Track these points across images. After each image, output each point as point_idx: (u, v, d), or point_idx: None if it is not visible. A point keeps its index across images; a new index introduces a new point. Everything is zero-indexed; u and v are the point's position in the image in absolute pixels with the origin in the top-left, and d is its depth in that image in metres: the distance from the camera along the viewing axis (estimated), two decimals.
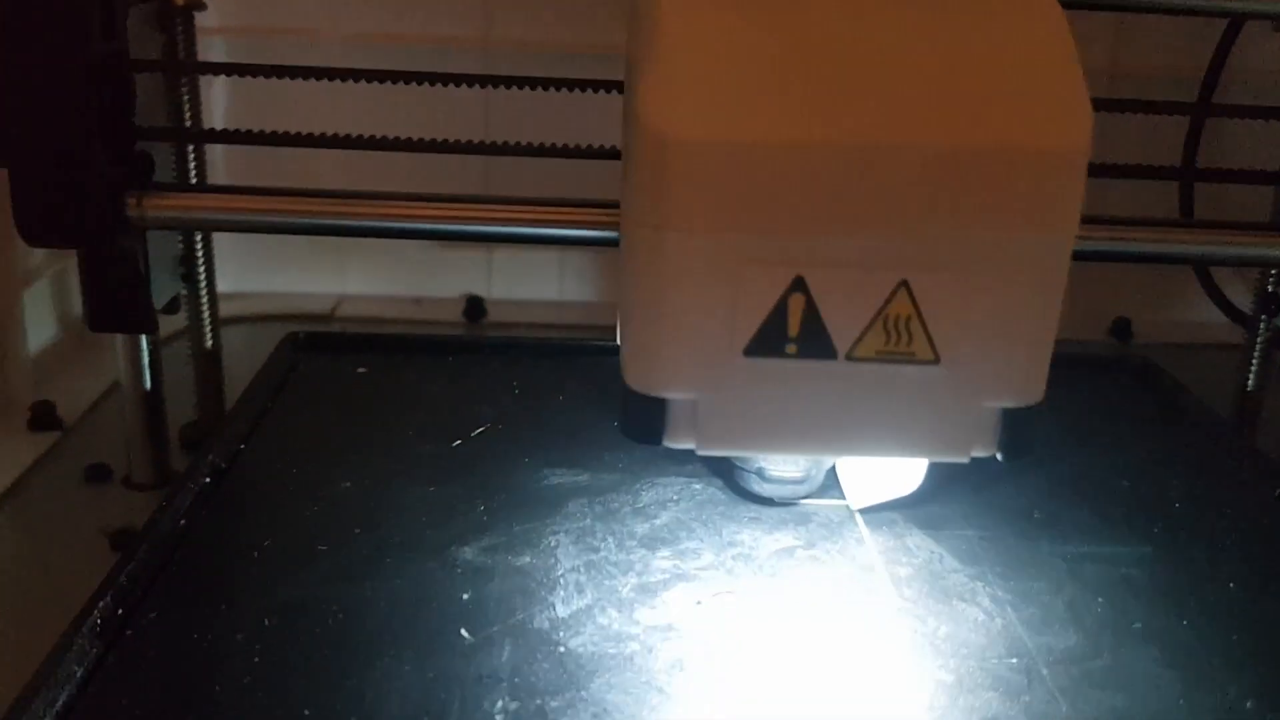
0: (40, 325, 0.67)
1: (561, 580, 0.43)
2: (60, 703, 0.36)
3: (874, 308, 0.36)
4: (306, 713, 0.36)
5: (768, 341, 0.36)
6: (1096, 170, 0.50)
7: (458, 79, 0.48)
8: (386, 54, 0.74)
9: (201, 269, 0.59)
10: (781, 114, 0.34)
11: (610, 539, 0.46)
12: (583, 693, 0.37)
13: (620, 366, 0.39)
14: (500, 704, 0.36)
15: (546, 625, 0.41)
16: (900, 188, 0.34)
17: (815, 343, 0.36)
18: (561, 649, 0.39)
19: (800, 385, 0.37)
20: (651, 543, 0.46)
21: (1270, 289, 0.63)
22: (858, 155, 0.34)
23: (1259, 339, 0.65)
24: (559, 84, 0.50)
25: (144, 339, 0.56)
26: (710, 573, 0.44)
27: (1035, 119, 0.35)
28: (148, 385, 0.56)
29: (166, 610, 0.40)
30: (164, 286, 0.53)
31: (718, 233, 0.35)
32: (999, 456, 0.38)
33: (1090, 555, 0.46)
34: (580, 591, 0.43)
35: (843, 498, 0.49)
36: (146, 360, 0.56)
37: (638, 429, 0.38)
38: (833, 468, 0.50)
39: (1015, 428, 0.38)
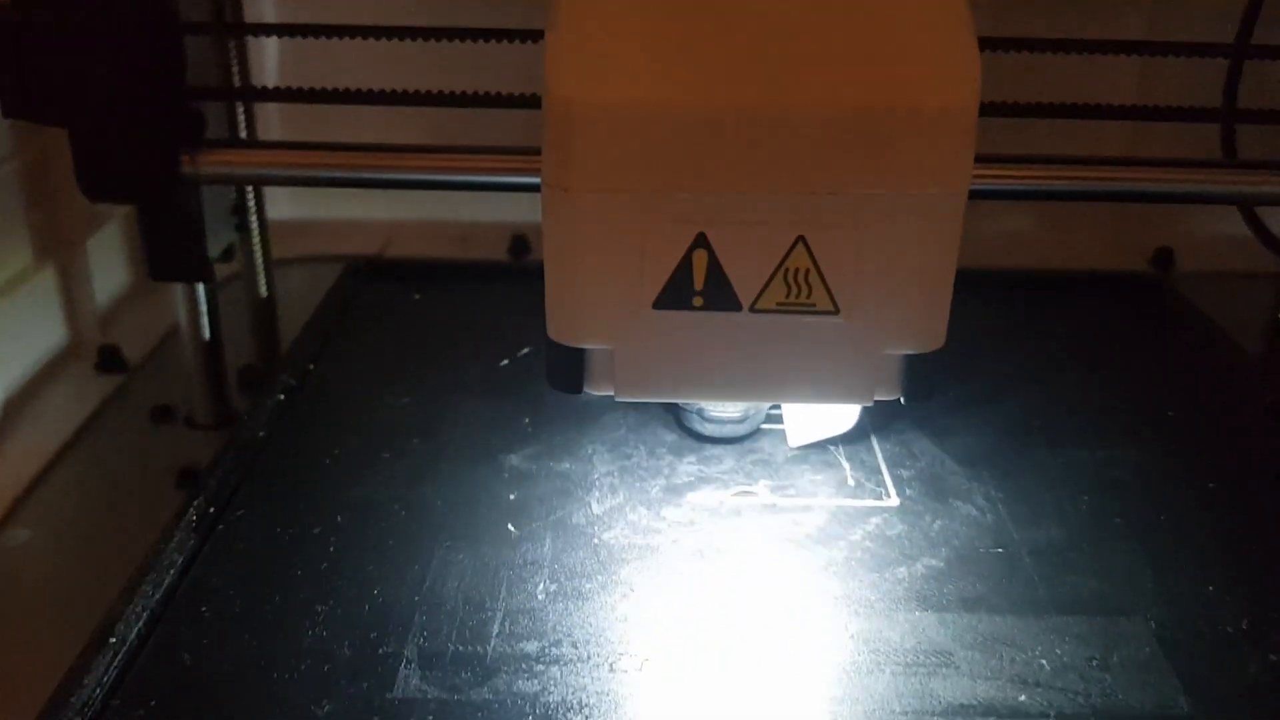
0: (105, 271, 0.68)
1: (597, 483, 0.48)
2: (165, 585, 0.41)
3: (774, 262, 0.38)
4: (375, 592, 0.41)
5: (675, 294, 0.38)
6: (1137, 114, 0.51)
7: (499, 34, 0.50)
8: None
9: (254, 218, 0.61)
10: (680, 78, 0.36)
11: (642, 447, 0.51)
12: (614, 576, 0.42)
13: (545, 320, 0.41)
14: (542, 585, 0.42)
15: (583, 521, 0.46)
16: (795, 148, 0.36)
17: (720, 295, 0.38)
18: (596, 540, 0.45)
19: (708, 335, 0.39)
20: (680, 450, 0.51)
21: None
22: (753, 117, 0.36)
23: None
24: None
25: (201, 286, 0.57)
26: (731, 475, 0.49)
27: (923, 78, 0.36)
28: (206, 330, 0.58)
29: (251, 508, 0.46)
30: (219, 237, 0.56)
31: (622, 192, 0.37)
32: (901, 400, 0.41)
33: (1081, 459, 0.51)
34: (614, 492, 0.48)
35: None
36: (204, 306, 0.57)
37: (560, 378, 0.41)
38: (777, 407, 0.51)
39: (917, 372, 0.40)
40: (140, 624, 0.39)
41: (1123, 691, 0.37)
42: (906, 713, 0.36)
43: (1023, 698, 0.37)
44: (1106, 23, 0.76)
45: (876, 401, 0.41)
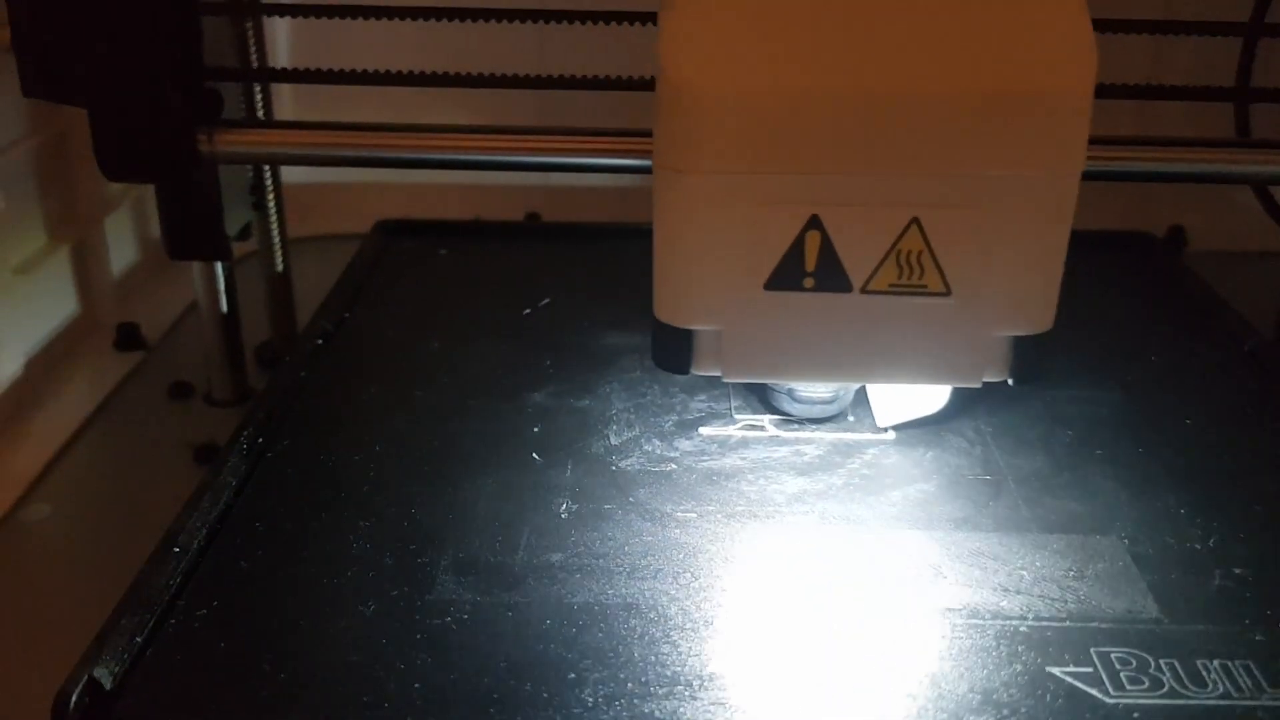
0: (122, 249, 0.70)
1: (615, 417, 0.52)
2: (221, 503, 0.45)
3: (887, 243, 0.38)
4: (413, 511, 0.45)
5: (787, 276, 0.39)
6: (1151, 93, 0.52)
7: (511, 15, 0.52)
8: None
9: (271, 197, 0.63)
10: (796, 61, 0.37)
11: (656, 386, 0.55)
12: (630, 498, 0.46)
13: (652, 301, 0.42)
14: (564, 506, 0.46)
15: (602, 451, 0.49)
16: (909, 130, 0.37)
17: (831, 276, 0.39)
18: (614, 468, 0.48)
19: (818, 317, 0.39)
20: (691, 389, 0.54)
21: None
22: (868, 100, 0.37)
23: None
24: (610, 17, 0.52)
25: (219, 264, 0.58)
26: (740, 413, 0.53)
27: (1038, 60, 0.37)
28: (224, 308, 0.59)
29: (296, 438, 0.50)
30: (236, 215, 0.57)
31: (737, 175, 0.37)
32: (1010, 382, 0.42)
33: (1068, 398, 0.54)
34: (630, 426, 0.51)
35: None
36: (222, 284, 0.59)
37: (667, 359, 0.42)
38: (863, 387, 0.52)
39: (1026, 354, 0.41)
40: (200, 537, 0.43)
41: (1096, 598, 0.41)
42: (898, 615, 0.40)
43: (1004, 603, 0.41)
44: (1121, 1, 0.78)
45: (985, 384, 0.42)
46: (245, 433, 0.49)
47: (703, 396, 0.54)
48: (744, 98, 0.37)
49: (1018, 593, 0.41)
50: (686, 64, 0.37)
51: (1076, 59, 0.37)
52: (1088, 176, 0.51)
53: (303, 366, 0.55)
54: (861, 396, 0.52)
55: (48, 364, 0.63)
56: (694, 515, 0.45)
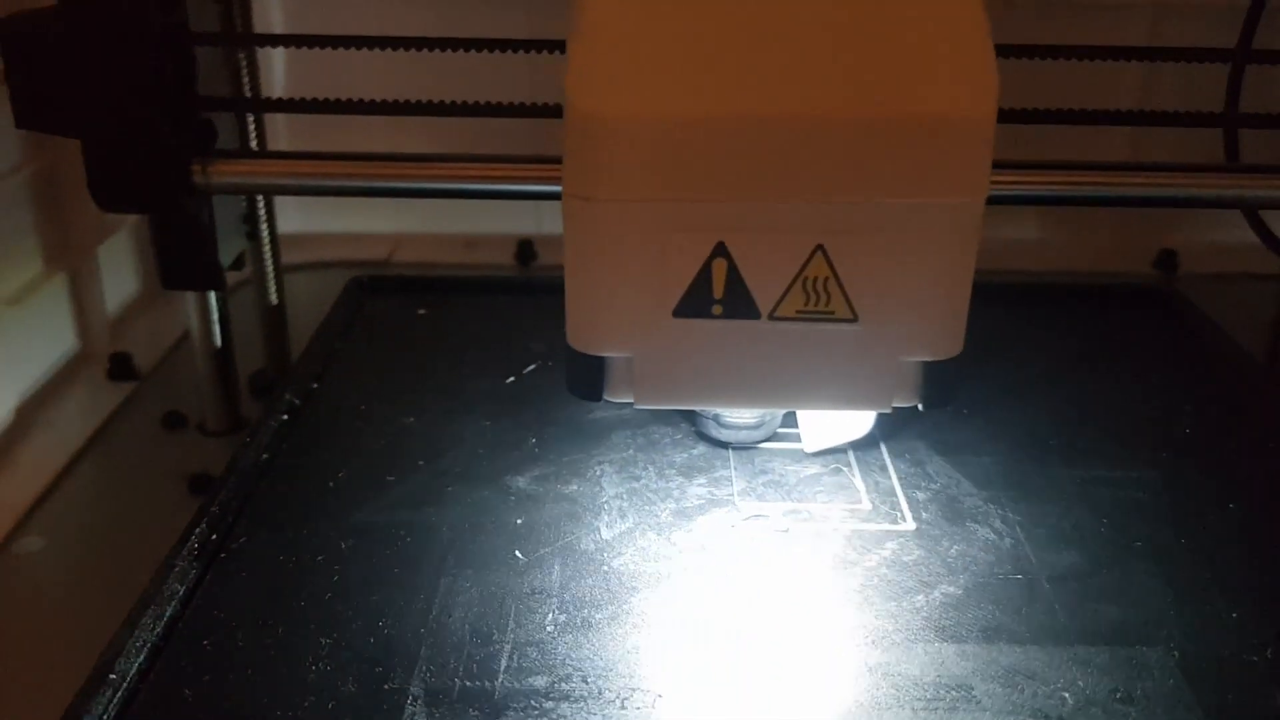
0: (115, 280, 0.69)
1: (606, 506, 0.47)
2: (165, 617, 0.40)
3: (793, 270, 0.38)
4: (380, 623, 0.40)
5: (695, 303, 0.38)
6: (1142, 119, 0.52)
7: (505, 45, 0.50)
8: (436, 4, 0.77)
9: (264, 226, 0.62)
10: (701, 88, 0.36)
11: (651, 468, 0.50)
12: (624, 606, 0.41)
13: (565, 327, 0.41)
14: (550, 616, 0.41)
15: (592, 547, 0.45)
16: (814, 157, 0.36)
17: (739, 303, 0.38)
18: (606, 568, 0.44)
19: (727, 343, 0.39)
20: (689, 471, 0.50)
21: None
22: (773, 127, 0.36)
23: None
24: None
25: (213, 294, 0.58)
26: (743, 499, 0.48)
27: (942, 88, 0.36)
28: (217, 337, 0.58)
29: (254, 535, 0.45)
30: (230, 245, 0.56)
31: (643, 202, 0.37)
32: (920, 407, 0.41)
33: (1100, 479, 0.50)
34: (623, 516, 0.47)
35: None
36: (216, 314, 0.58)
37: (580, 386, 0.41)
38: (792, 413, 0.52)
39: (935, 379, 0.40)
40: (141, 658, 0.38)
41: None
42: None
43: None
44: (1109, 28, 0.76)
45: (895, 408, 0.41)
46: (198, 530, 0.44)
47: (702, 480, 0.49)
48: (648, 125, 0.36)
49: (1060, 719, 0.37)
50: (591, 92, 0.36)
51: (978, 86, 0.37)
52: (1082, 201, 0.51)
53: (265, 448, 0.51)
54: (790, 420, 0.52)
55: (40, 394, 0.62)
56: (696, 627, 0.40)
